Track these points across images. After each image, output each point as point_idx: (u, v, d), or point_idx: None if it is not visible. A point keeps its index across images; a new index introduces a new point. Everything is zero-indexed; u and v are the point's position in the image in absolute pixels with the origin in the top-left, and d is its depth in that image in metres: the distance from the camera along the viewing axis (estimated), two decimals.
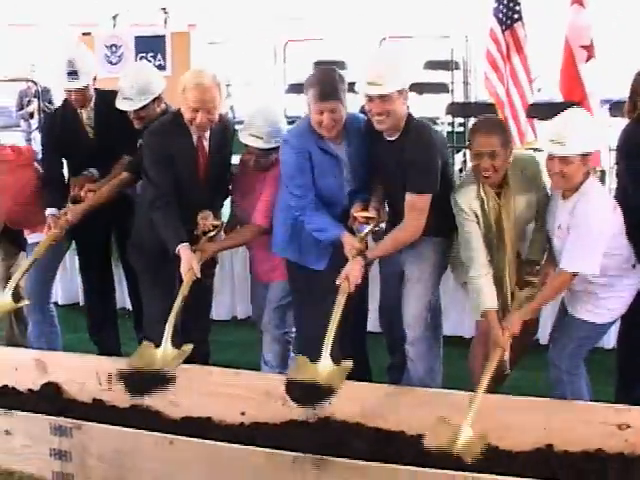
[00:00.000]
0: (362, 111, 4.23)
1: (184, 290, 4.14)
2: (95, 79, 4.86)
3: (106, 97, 4.79)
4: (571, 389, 3.97)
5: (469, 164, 4.18)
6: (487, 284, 3.98)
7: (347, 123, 4.08)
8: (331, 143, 4.09)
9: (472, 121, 4.25)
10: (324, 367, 3.81)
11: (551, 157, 3.76)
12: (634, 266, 3.93)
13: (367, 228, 4.13)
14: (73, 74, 4.70)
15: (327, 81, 3.99)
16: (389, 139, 4.01)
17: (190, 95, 4.13)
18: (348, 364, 3.82)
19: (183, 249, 4.16)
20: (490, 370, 3.78)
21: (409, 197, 3.96)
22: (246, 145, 4.41)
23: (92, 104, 4.86)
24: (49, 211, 4.73)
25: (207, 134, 4.33)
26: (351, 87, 4.11)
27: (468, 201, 3.98)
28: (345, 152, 4.11)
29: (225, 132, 4.45)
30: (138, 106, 4.58)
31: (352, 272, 3.97)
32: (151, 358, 4.06)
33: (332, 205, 4.14)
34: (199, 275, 4.18)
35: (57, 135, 4.88)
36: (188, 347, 4.09)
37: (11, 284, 4.60)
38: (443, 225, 4.10)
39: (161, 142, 4.26)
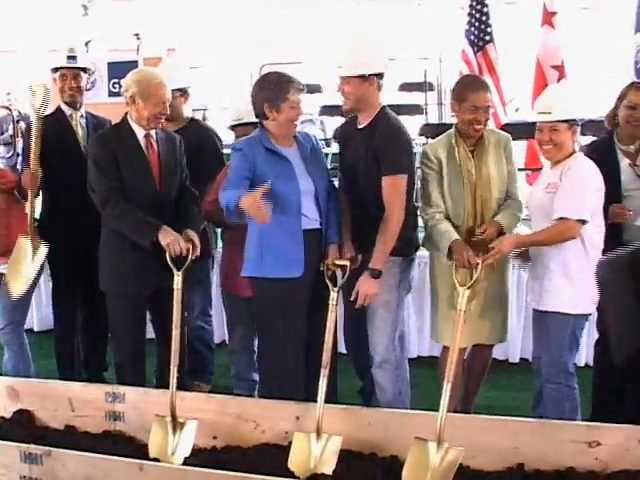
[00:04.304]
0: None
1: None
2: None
3: (96, 117, 4.98)
4: (570, 406, 3.99)
5: None
6: (446, 224, 4.11)
7: (298, 137, 4.15)
8: (279, 145, 4.09)
9: None
10: (317, 450, 3.81)
11: (540, 128, 3.97)
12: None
13: (344, 276, 4.04)
14: (72, 59, 4.86)
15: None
16: (359, 127, 4.08)
17: (157, 91, 4.31)
18: (339, 438, 3.81)
19: (163, 229, 4.14)
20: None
21: (386, 180, 3.99)
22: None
23: (82, 112, 4.93)
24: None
25: (154, 134, 4.40)
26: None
27: (435, 149, 4.18)
28: (298, 156, 4.10)
29: (173, 139, 4.50)
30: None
31: (368, 289, 4.02)
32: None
33: (290, 209, 4.02)
34: (194, 250, 4.17)
35: (49, 138, 4.72)
36: None
37: None
38: (402, 245, 4.10)
39: (103, 144, 4.36)
